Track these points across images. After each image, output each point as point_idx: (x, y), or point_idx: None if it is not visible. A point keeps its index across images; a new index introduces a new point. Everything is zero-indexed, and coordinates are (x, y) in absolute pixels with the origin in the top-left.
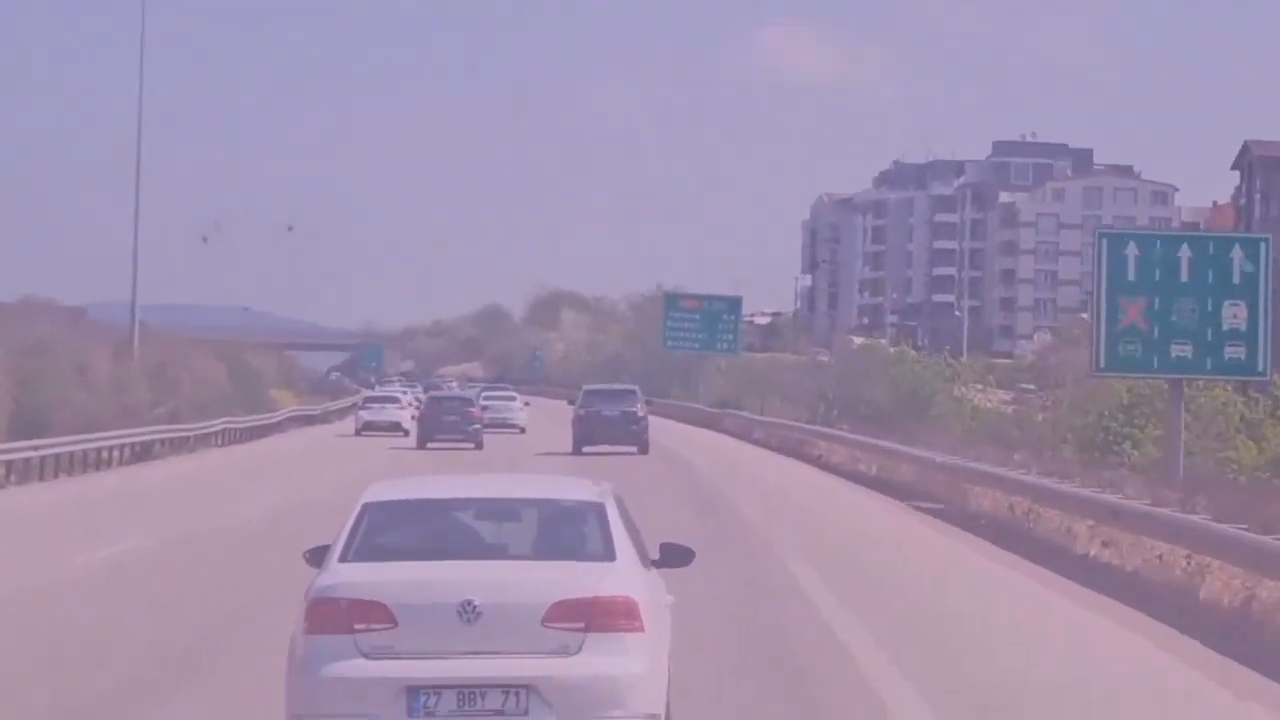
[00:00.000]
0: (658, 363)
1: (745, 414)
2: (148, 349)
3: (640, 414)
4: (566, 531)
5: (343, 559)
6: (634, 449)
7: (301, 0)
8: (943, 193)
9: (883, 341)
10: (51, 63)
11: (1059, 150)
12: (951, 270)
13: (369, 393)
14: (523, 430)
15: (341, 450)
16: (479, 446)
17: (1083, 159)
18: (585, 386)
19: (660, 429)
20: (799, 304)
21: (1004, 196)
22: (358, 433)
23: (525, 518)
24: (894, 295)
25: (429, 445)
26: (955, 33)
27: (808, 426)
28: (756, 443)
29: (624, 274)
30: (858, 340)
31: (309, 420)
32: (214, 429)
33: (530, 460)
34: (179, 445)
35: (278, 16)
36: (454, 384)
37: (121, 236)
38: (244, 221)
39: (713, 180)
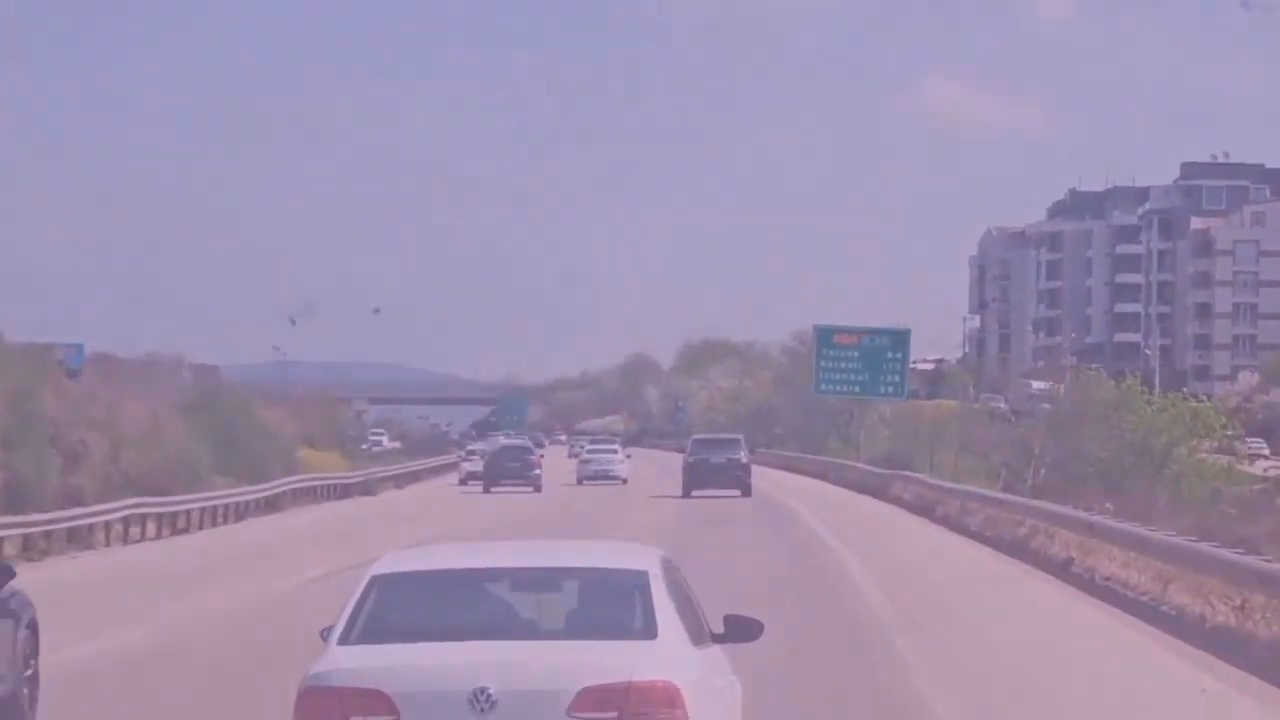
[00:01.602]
0: (810, 411)
1: (923, 478)
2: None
3: (744, 460)
4: (605, 605)
5: (343, 641)
6: (737, 492)
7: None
8: (1125, 222)
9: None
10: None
11: (1255, 171)
12: (1137, 306)
13: (471, 445)
14: (624, 481)
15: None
16: (537, 489)
17: None
18: (694, 436)
19: (807, 497)
20: (966, 348)
21: (1195, 223)
22: (461, 483)
23: (559, 590)
24: (1073, 335)
25: (493, 489)
26: (1126, 67)
27: (1039, 505)
28: (944, 522)
29: (780, 322)
30: (1035, 384)
31: (341, 491)
32: (115, 515)
33: (643, 501)
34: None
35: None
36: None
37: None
38: (337, 300)
39: (874, 222)
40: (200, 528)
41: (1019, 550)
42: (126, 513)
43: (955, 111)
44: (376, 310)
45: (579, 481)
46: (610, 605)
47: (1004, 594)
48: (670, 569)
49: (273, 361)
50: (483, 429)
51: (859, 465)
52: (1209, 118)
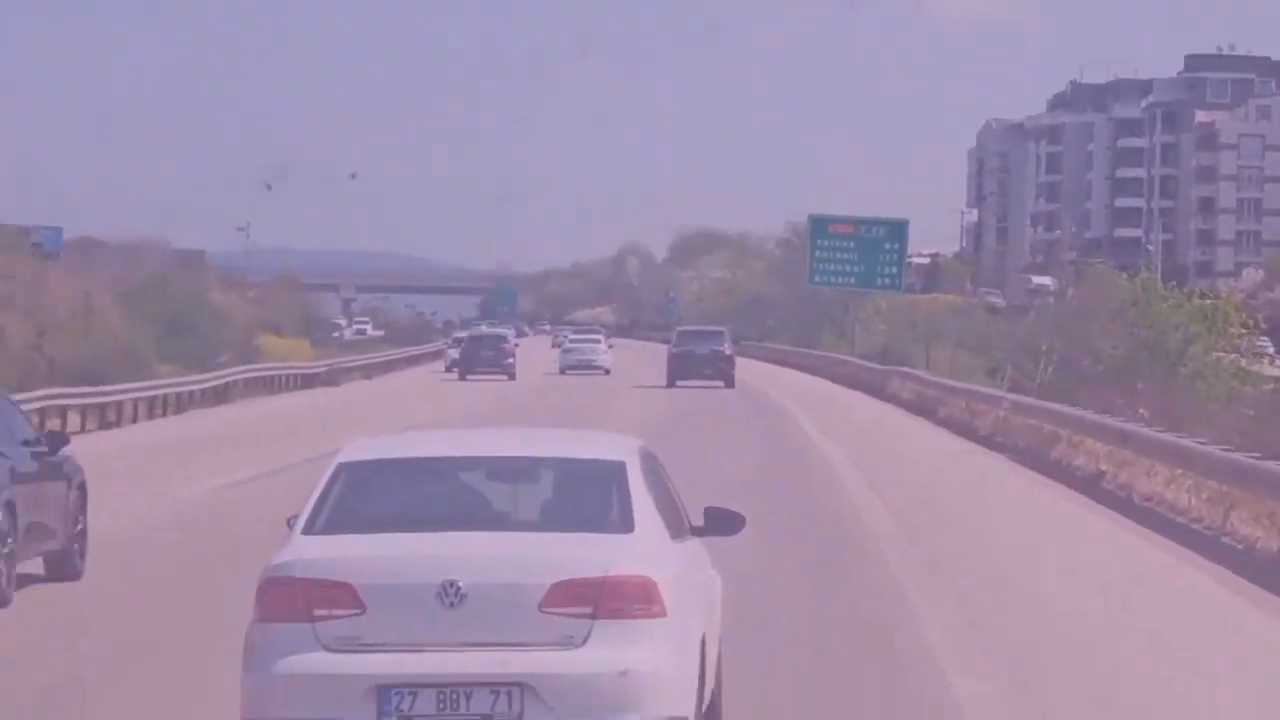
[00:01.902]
0: (805, 303)
1: (923, 374)
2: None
3: (727, 352)
4: (580, 497)
5: (307, 530)
6: (720, 383)
7: None
8: (1127, 115)
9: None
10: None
11: (1261, 64)
12: (1139, 201)
13: (458, 334)
14: (607, 371)
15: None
16: (511, 377)
17: None
18: (678, 328)
19: (799, 393)
20: (963, 242)
21: (1199, 117)
22: (446, 370)
23: (534, 480)
24: (1072, 230)
25: (469, 377)
26: None
27: (1060, 409)
28: (948, 425)
29: (775, 215)
30: (1035, 279)
31: (303, 381)
32: (28, 406)
33: (627, 392)
34: None
35: None
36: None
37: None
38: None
39: (871, 116)
40: (134, 421)
41: (1039, 461)
42: (42, 404)
43: (954, 6)
44: (353, 175)
45: (562, 371)
46: (586, 497)
47: (1035, 518)
48: (649, 460)
49: (267, 247)
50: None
51: (854, 360)
52: (1214, 9)
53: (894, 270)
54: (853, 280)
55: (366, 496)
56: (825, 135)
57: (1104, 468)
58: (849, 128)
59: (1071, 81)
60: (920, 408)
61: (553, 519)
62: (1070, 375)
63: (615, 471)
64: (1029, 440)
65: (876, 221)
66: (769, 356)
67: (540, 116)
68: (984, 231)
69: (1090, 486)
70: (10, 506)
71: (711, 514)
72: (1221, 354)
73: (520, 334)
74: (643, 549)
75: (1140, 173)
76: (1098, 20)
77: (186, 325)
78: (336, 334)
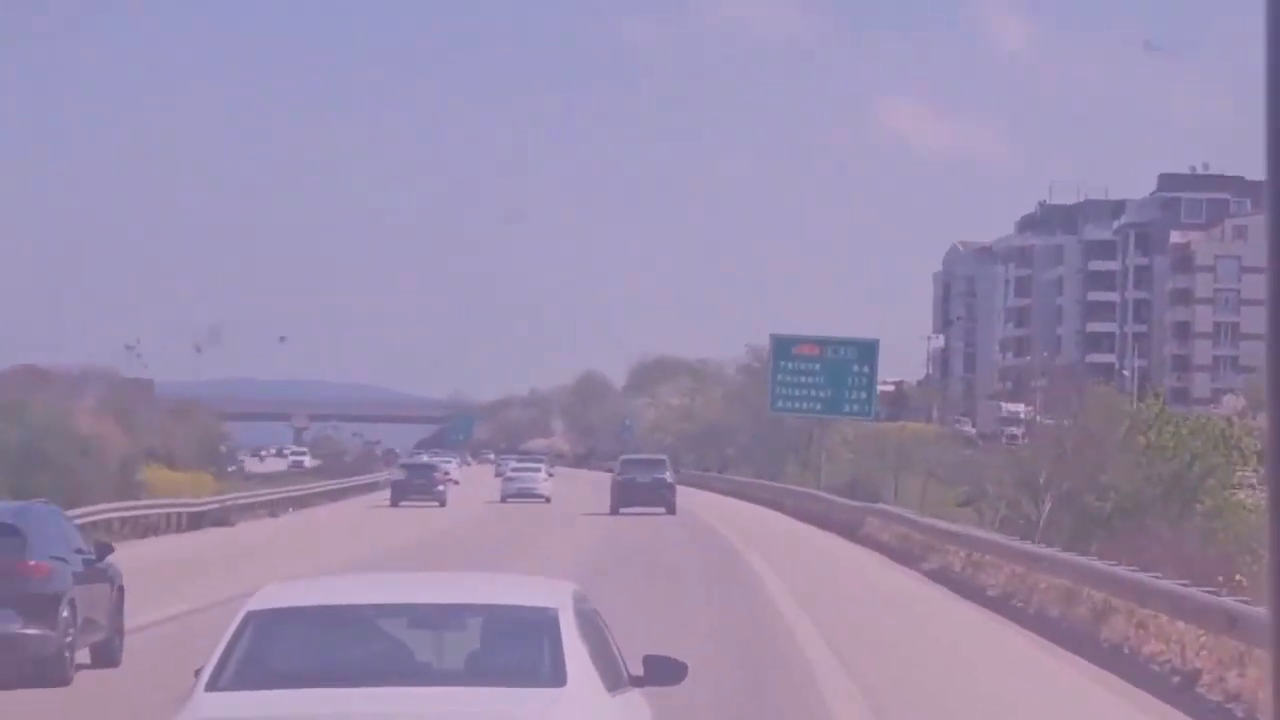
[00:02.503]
0: (767, 432)
1: (906, 513)
2: None
3: (669, 480)
4: (509, 647)
5: (211, 686)
6: (662, 510)
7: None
8: (1099, 237)
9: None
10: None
11: (1236, 184)
12: (1112, 326)
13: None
14: (547, 500)
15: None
16: (442, 504)
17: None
18: (622, 457)
19: (760, 534)
20: (930, 368)
21: (1174, 238)
22: (393, 503)
23: (461, 628)
24: (1044, 355)
25: (401, 504)
26: (1096, 84)
27: (1099, 567)
28: (944, 581)
29: (737, 342)
30: (1006, 406)
31: (191, 520)
32: None
33: (578, 520)
34: None
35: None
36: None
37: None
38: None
39: (833, 241)
40: None
41: (1088, 644)
42: None
43: (918, 133)
44: (282, 339)
45: (503, 499)
46: (515, 647)
47: None
48: (583, 605)
49: (227, 377)
50: (427, 447)
51: (821, 494)
52: (1186, 128)
53: (863, 395)
54: (819, 406)
55: (277, 648)
56: (787, 262)
57: (1200, 663)
58: (811, 254)
59: (1040, 202)
60: (905, 554)
61: (479, 671)
62: (1072, 513)
63: (547, 620)
64: (1063, 609)
65: (844, 342)
66: (729, 489)
67: (498, 243)
68: (951, 357)
69: (1184, 693)
70: (72, 604)
71: (651, 663)
72: (1234, 489)
73: (464, 463)
74: (575, 704)
75: (1113, 296)
76: (1067, 141)
77: (45, 457)
78: (233, 467)
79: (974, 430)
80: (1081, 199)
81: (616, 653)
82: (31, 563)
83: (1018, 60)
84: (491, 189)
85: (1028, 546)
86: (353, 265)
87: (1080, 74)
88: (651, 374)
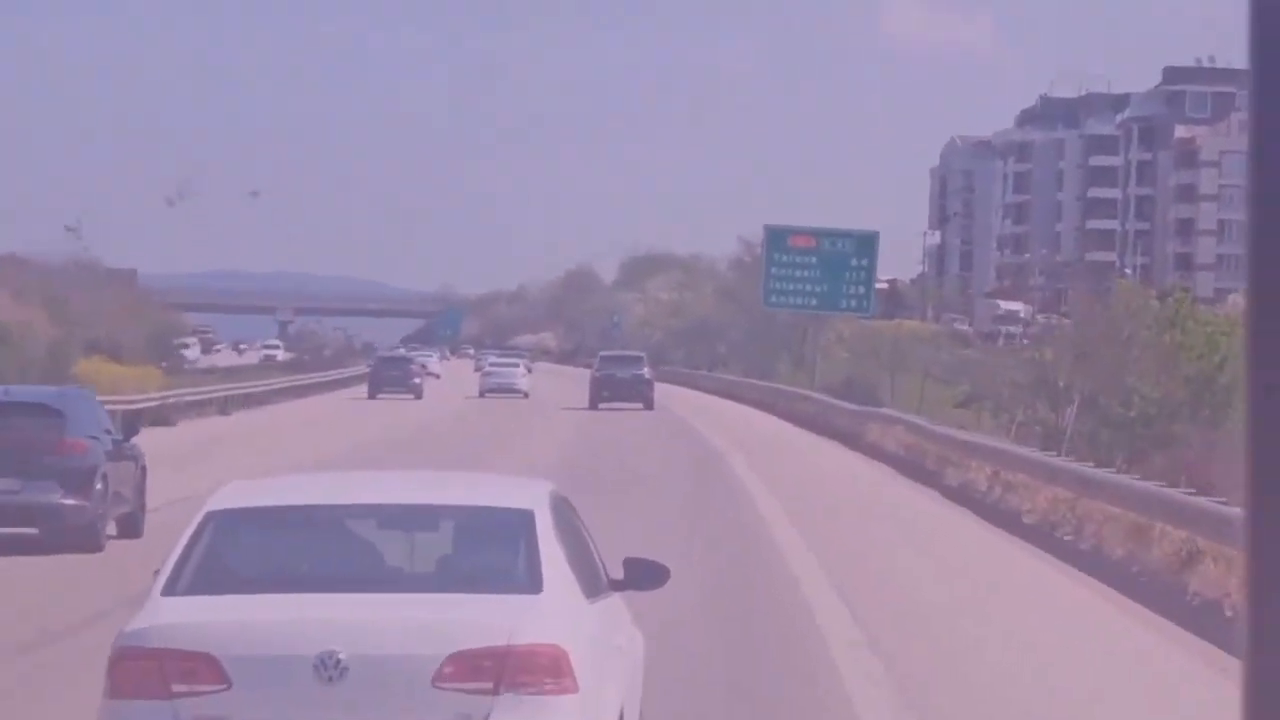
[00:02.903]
0: (759, 329)
1: (915, 420)
2: None
3: (647, 376)
4: (483, 552)
5: (167, 591)
6: (640, 405)
7: None
8: (1101, 131)
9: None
10: None
11: (1242, 77)
12: (1112, 223)
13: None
14: (525, 395)
15: None
16: (418, 396)
17: None
18: (601, 353)
19: (752, 440)
20: (925, 265)
21: (1179, 132)
22: (370, 395)
23: (433, 530)
24: (1042, 252)
25: (378, 396)
26: None
27: (1174, 496)
28: (965, 501)
29: (731, 237)
30: (1004, 304)
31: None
32: None
33: (556, 414)
34: None
35: None
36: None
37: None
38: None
39: (829, 135)
40: None
41: (1161, 595)
42: None
43: (917, 27)
44: (255, 193)
45: (481, 394)
46: (490, 551)
47: None
48: (560, 507)
49: (214, 270)
50: (413, 342)
51: (815, 395)
52: (1192, 20)
53: (861, 290)
54: (814, 302)
55: (238, 551)
56: (783, 158)
57: None
58: (807, 151)
59: (1041, 96)
60: (917, 469)
61: (451, 578)
62: (1095, 420)
63: (522, 522)
64: (1131, 548)
65: (841, 234)
66: (719, 388)
67: (489, 135)
68: (947, 255)
69: None
70: (105, 478)
71: (632, 566)
72: None
73: (444, 358)
74: (553, 612)
75: (1115, 193)
76: (1069, 33)
77: None
78: (189, 352)
79: (970, 329)
80: (1083, 92)
81: (596, 556)
82: (69, 440)
83: None
84: (489, 85)
85: (1074, 465)
86: (347, 156)
87: None
88: (642, 269)
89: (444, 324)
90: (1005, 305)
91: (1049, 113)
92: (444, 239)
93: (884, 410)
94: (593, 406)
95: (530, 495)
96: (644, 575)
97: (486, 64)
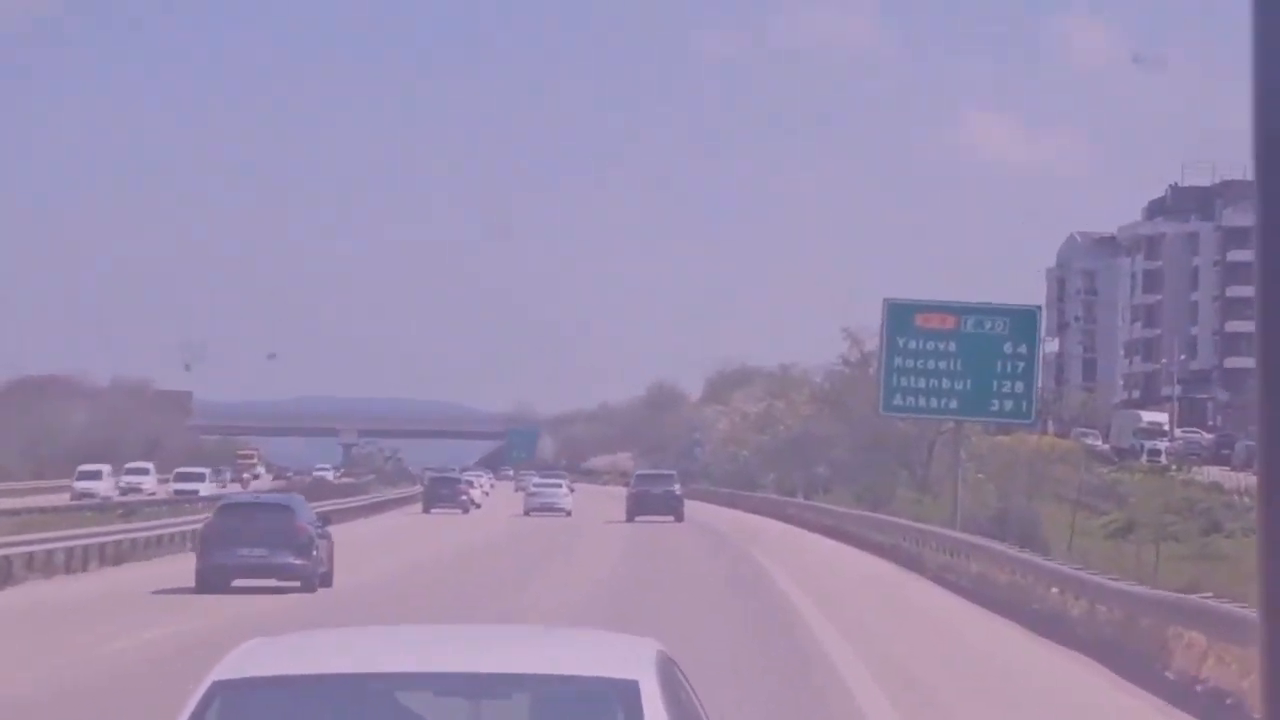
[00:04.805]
0: (869, 444)
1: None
2: None
3: (677, 492)
4: None
5: None
6: (671, 518)
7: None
8: (1239, 223)
9: None
10: None
11: None
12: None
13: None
14: (568, 514)
15: None
16: (465, 511)
17: None
18: (637, 472)
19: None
20: (1042, 375)
21: None
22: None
23: (506, 708)
24: (1182, 358)
25: (432, 510)
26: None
27: None
28: None
29: (826, 350)
30: (1146, 416)
31: None
32: None
33: (597, 528)
34: None
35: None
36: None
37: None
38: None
39: (932, 235)
40: None
41: None
42: None
43: (1031, 111)
44: (271, 356)
45: (526, 513)
46: None
47: None
48: (670, 673)
49: (295, 395)
50: (489, 463)
51: (972, 540)
52: None
53: (1019, 388)
54: (953, 405)
55: None
56: (881, 261)
57: None
58: (908, 251)
59: (1171, 185)
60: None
61: None
62: None
63: (625, 695)
64: None
65: (990, 310)
66: (820, 523)
67: (567, 249)
68: (1067, 363)
69: None
70: (316, 549)
71: None
72: None
73: (492, 483)
74: None
75: None
76: (1199, 114)
77: None
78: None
79: (1105, 444)
80: (1218, 180)
81: None
82: (298, 524)
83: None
84: (562, 196)
85: None
86: (414, 280)
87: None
88: (730, 384)
89: (517, 445)
90: (1148, 417)
91: (1180, 204)
92: (520, 358)
93: (1196, 598)
94: (629, 520)
95: (633, 659)
96: None
97: (562, 173)
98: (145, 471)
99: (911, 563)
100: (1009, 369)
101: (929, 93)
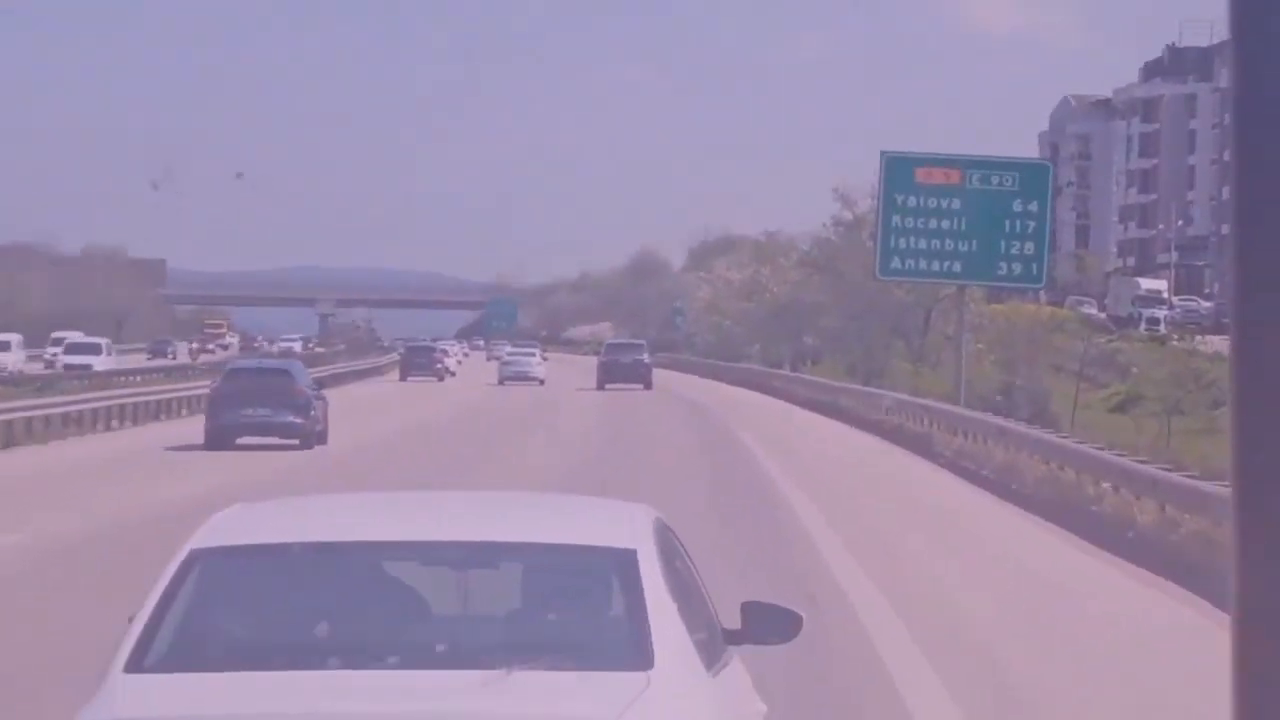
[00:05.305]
0: (862, 310)
1: None
2: None
3: (646, 361)
4: (567, 606)
5: (132, 665)
6: (640, 386)
7: None
8: None
9: None
10: None
11: None
12: None
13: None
14: (541, 382)
15: None
16: (441, 379)
17: None
18: (608, 341)
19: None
20: None
21: None
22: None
23: (497, 578)
24: (1179, 224)
25: (409, 379)
26: None
27: None
28: None
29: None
30: (1144, 284)
31: None
32: None
33: (569, 395)
34: None
35: None
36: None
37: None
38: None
39: (921, 95)
40: None
41: None
42: None
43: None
44: (239, 175)
45: (500, 382)
46: (579, 608)
47: None
48: (667, 539)
49: (275, 266)
50: (468, 334)
51: (974, 414)
52: None
53: (1029, 249)
54: (957, 268)
55: (231, 606)
56: (869, 130)
57: None
58: (897, 119)
59: (1168, 46)
60: None
61: (525, 647)
62: None
63: (622, 566)
64: None
65: (999, 164)
66: (809, 398)
67: (551, 115)
68: (1060, 229)
69: None
70: (313, 409)
71: (754, 613)
72: None
73: (465, 353)
74: (669, 697)
75: None
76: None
77: None
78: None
79: (1101, 313)
80: (1216, 40)
81: (707, 600)
82: (298, 387)
83: None
84: (547, 53)
85: None
86: (397, 144)
87: None
88: (713, 253)
89: (497, 315)
90: (1147, 285)
91: (1178, 65)
92: (495, 227)
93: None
94: (600, 388)
95: (630, 527)
96: (769, 625)
97: (545, 26)
98: (59, 343)
99: (920, 447)
100: (1018, 228)
101: None
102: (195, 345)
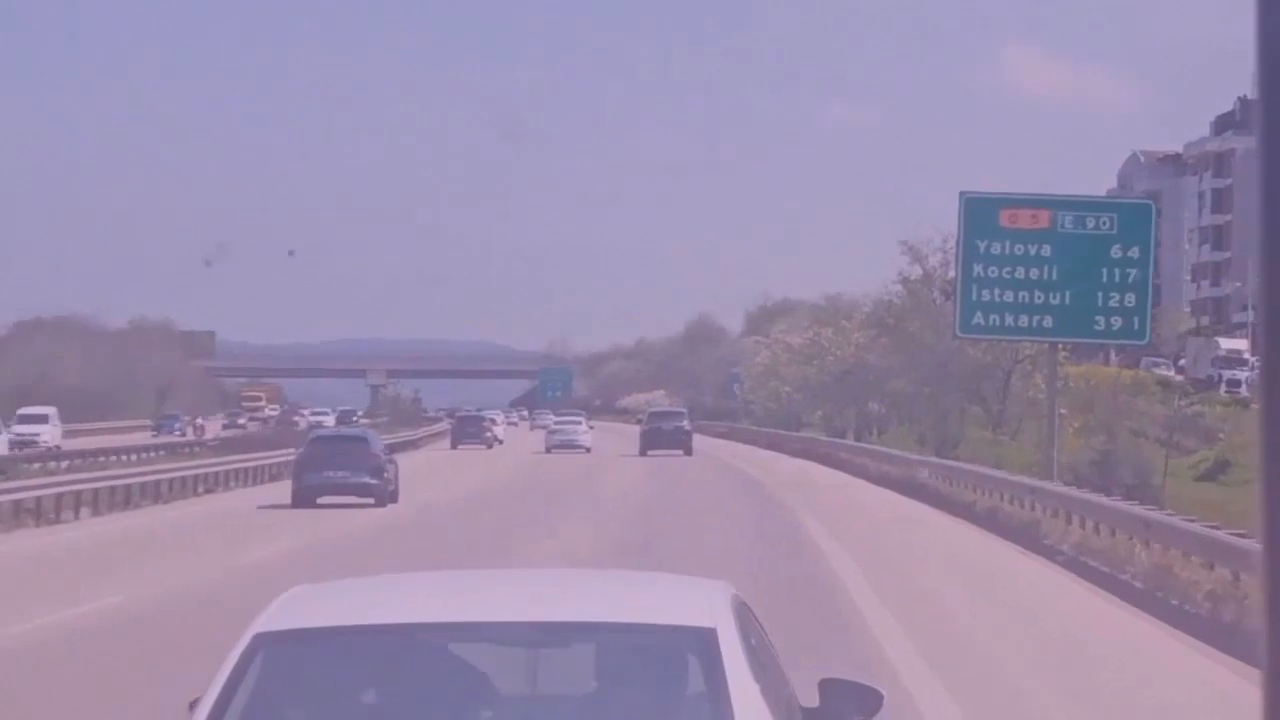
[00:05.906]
0: (932, 374)
1: None
2: None
3: (687, 428)
4: (644, 687)
5: None
6: (680, 452)
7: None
8: None
9: None
10: None
11: None
12: None
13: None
14: (588, 450)
15: None
16: (489, 447)
17: None
18: (650, 409)
19: None
20: None
21: None
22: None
23: (568, 660)
24: (1257, 280)
25: (459, 447)
26: None
27: None
28: None
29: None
30: (1225, 344)
31: None
32: None
33: (614, 461)
34: None
35: None
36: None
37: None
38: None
39: (985, 156)
40: None
41: None
42: None
43: (1083, 22)
44: (291, 252)
45: (547, 450)
46: (655, 691)
47: None
48: (745, 617)
49: (330, 338)
50: (523, 404)
51: (1071, 493)
52: None
53: (1131, 301)
54: (1048, 322)
55: (296, 692)
56: (927, 186)
57: None
58: (957, 172)
59: (1240, 98)
60: None
61: None
62: None
63: (702, 645)
64: None
65: (1095, 205)
66: (882, 473)
67: (604, 182)
68: None
69: None
70: (386, 471)
71: (833, 690)
72: None
73: (509, 422)
74: None
75: None
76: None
77: None
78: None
79: (1177, 374)
80: None
81: (786, 680)
82: (373, 452)
83: None
84: (600, 129)
85: None
86: (446, 219)
87: None
88: (773, 316)
89: (552, 384)
90: (1227, 345)
91: (1251, 117)
92: (555, 297)
93: None
94: (641, 454)
95: (708, 604)
96: (849, 703)
97: (600, 107)
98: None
99: (1028, 539)
100: (1117, 278)
101: (966, 29)
102: (238, 420)
